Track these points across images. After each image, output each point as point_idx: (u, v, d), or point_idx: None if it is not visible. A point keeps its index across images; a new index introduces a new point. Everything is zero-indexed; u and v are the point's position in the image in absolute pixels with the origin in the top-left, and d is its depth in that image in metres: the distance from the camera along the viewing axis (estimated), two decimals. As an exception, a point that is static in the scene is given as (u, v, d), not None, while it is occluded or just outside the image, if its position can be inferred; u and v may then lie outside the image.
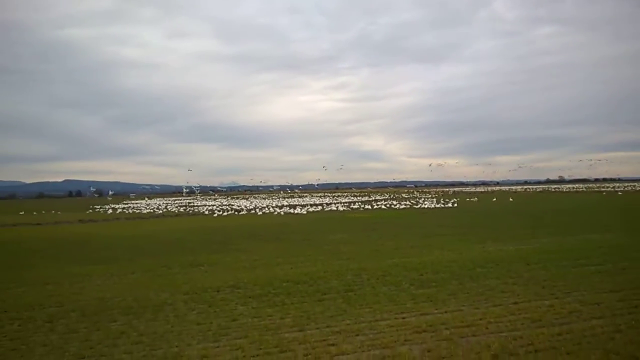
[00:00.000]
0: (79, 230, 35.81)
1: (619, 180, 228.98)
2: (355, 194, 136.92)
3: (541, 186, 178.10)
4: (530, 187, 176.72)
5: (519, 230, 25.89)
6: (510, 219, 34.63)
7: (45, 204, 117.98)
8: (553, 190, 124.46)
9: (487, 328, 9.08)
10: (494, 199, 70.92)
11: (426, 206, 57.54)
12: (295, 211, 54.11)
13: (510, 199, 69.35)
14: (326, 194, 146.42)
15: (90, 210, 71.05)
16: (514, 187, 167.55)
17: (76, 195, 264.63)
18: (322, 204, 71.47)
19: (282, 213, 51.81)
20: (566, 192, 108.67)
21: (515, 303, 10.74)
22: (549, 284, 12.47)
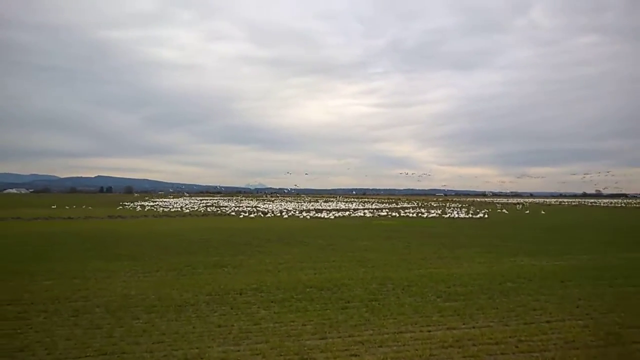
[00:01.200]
0: (107, 226, 36.58)
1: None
2: (383, 200, 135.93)
3: (577, 200, 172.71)
4: (565, 200, 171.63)
5: (553, 245, 25.02)
6: (544, 233, 33.56)
7: (77, 198, 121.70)
8: (590, 204, 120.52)
9: (516, 347, 8.67)
10: (527, 211, 69.07)
11: (456, 216, 56.52)
12: (321, 215, 53.97)
13: (542, 212, 67.40)
14: (353, 199, 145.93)
15: (120, 207, 72.65)
16: (547, 200, 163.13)
17: (107, 191, 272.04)
18: (349, 209, 71.13)
19: (308, 217, 51.74)
20: (603, 206, 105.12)
21: (548, 322, 10.27)
22: (584, 303, 11.91)
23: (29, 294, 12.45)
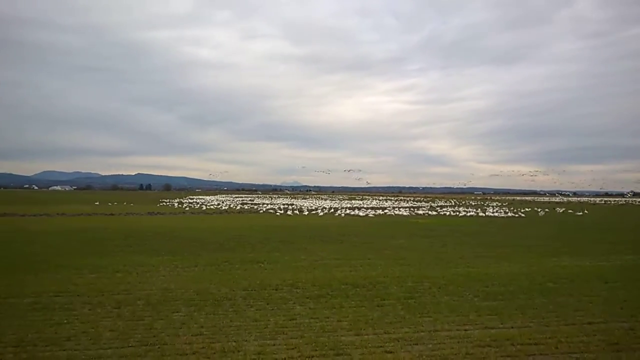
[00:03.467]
0: (147, 222, 37.65)
1: None
2: (419, 198, 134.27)
3: (624, 199, 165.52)
4: (611, 199, 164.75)
5: (597, 245, 24.11)
6: (587, 233, 32.38)
7: (118, 195, 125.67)
8: (638, 203, 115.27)
9: (556, 347, 8.44)
10: (570, 210, 66.76)
11: (494, 215, 55.26)
12: (357, 213, 53.85)
13: (586, 211, 64.99)
14: (389, 197, 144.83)
15: (160, 204, 74.65)
16: (592, 199, 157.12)
17: (146, 188, 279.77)
18: (385, 207, 70.67)
19: (343, 215, 51.73)
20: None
21: (590, 323, 9.93)
22: (629, 304, 11.45)
23: (74, 287, 13.00)
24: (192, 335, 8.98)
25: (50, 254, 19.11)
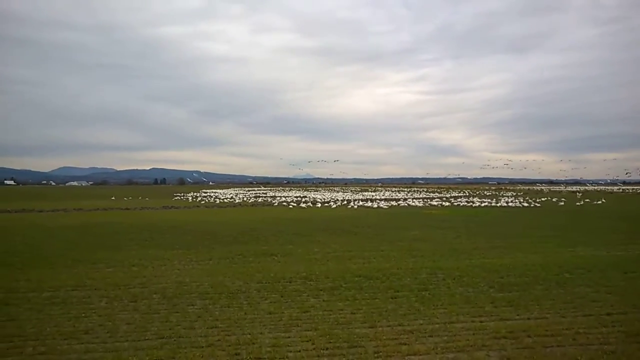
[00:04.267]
0: (162, 216, 38.00)
1: None
2: (433, 189, 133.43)
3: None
4: (629, 187, 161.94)
5: (615, 235, 23.74)
6: (605, 222, 31.90)
7: (133, 190, 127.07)
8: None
9: (574, 339, 8.33)
10: (587, 199, 65.80)
11: (509, 204, 54.71)
12: (370, 205, 53.72)
13: (603, 200, 63.99)
14: (402, 188, 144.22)
15: (176, 198, 75.27)
16: (609, 187, 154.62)
17: (161, 182, 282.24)
18: (398, 198, 70.38)
19: (356, 207, 51.65)
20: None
21: (609, 314, 9.78)
22: (649, 295, 11.25)
23: (91, 281, 13.18)
24: (207, 328, 9.05)
25: (67, 248, 19.40)
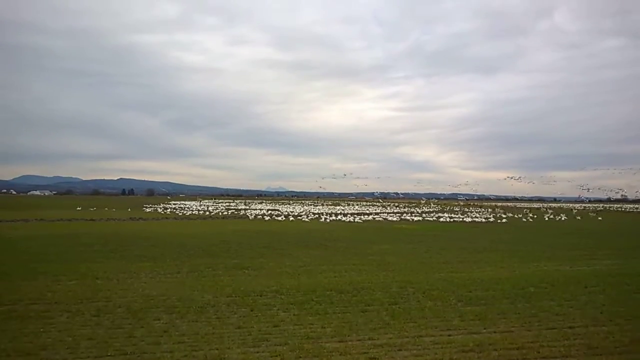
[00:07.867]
0: (129, 228, 37.12)
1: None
2: (404, 204, 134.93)
3: (602, 205, 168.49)
4: (589, 205, 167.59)
5: (577, 251, 24.47)
6: (567, 238, 32.85)
7: (100, 200, 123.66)
8: (615, 209, 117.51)
9: (538, 352, 8.51)
10: (551, 216, 67.70)
11: (477, 220, 55.79)
12: (342, 219, 53.85)
13: (565, 217, 66.00)
14: (374, 202, 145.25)
15: (145, 209, 73.69)
16: (571, 205, 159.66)
17: (129, 193, 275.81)
18: (370, 213, 70.82)
19: (328, 220, 51.69)
20: (629, 212, 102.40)
21: (571, 327, 10.04)
22: (608, 309, 11.61)
23: (52, 294, 12.71)
24: (173, 344, 8.82)
25: (28, 260, 18.68)
